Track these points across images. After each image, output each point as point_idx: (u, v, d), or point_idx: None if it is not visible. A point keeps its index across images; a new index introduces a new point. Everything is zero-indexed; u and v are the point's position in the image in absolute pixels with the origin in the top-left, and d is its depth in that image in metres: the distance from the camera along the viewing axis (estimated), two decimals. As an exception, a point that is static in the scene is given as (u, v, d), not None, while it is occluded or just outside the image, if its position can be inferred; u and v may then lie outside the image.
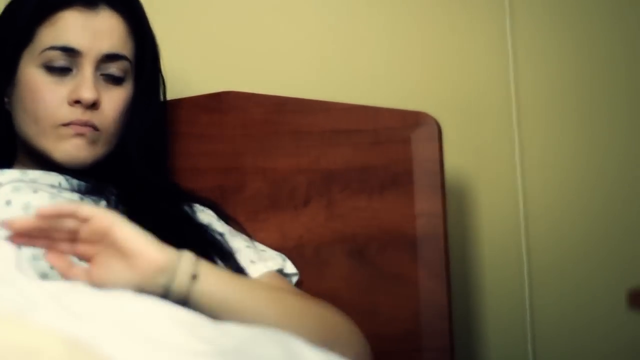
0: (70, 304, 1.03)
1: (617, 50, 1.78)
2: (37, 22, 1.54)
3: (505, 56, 1.77)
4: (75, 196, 1.49)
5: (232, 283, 1.28)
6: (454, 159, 1.69)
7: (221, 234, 1.51)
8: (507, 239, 1.75)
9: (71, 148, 1.50)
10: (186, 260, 1.23)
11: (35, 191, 1.45)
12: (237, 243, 1.51)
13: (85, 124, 1.50)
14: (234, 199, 1.69)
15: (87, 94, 1.49)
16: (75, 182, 1.53)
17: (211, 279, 1.25)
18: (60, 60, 1.52)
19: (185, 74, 1.89)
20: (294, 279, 1.56)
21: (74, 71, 1.51)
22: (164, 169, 1.65)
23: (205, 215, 1.54)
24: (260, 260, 1.49)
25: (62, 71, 1.52)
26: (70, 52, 1.51)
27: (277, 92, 1.74)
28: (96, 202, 1.49)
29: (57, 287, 1.09)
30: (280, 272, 1.51)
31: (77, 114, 1.50)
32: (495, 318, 1.75)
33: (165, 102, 1.67)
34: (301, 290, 1.55)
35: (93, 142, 1.50)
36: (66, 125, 1.50)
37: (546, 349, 1.74)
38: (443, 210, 1.56)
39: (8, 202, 1.45)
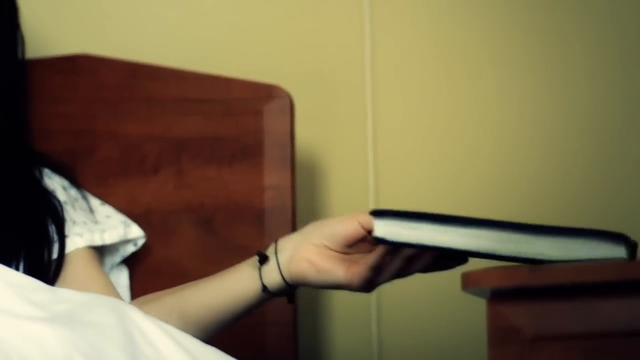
0: None
1: (475, 24, 1.80)
2: None
3: (362, 30, 1.78)
4: None
5: None
6: (306, 133, 1.69)
7: (62, 203, 1.49)
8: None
9: None
10: None
11: None
12: (76, 216, 1.49)
13: None
14: (84, 163, 1.67)
15: None
16: None
17: None
18: None
19: (40, 34, 1.86)
20: (140, 242, 1.56)
21: None
22: (22, 130, 1.61)
23: (52, 182, 1.52)
24: (95, 231, 1.48)
25: None
26: None
27: (132, 57, 1.72)
28: None
29: None
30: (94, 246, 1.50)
31: None
32: (340, 294, 1.76)
33: (24, 60, 1.63)
34: (147, 256, 1.57)
35: None
36: None
37: (390, 326, 1.76)
38: (292, 184, 1.57)
39: None
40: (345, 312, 1.75)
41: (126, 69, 1.69)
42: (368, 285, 1.21)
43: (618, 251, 1.04)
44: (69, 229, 1.46)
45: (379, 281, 1.21)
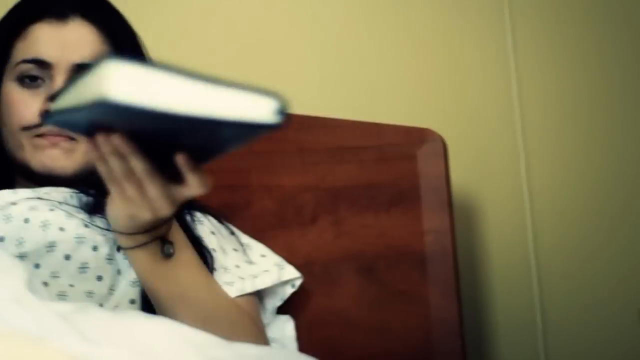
0: (82, 326, 1.02)
1: (626, 60, 1.78)
2: (12, 38, 1.55)
3: (508, 69, 1.77)
4: (78, 214, 1.46)
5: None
6: (459, 175, 1.68)
7: (212, 250, 1.49)
8: (516, 254, 1.74)
9: (46, 159, 1.49)
10: None
11: (52, 209, 1.43)
12: (227, 261, 1.49)
13: (58, 135, 1.50)
14: (241, 217, 1.67)
15: None
16: (82, 197, 1.52)
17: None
18: (32, 72, 1.52)
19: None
20: (297, 283, 1.55)
21: (47, 82, 1.52)
22: None
23: (202, 228, 1.53)
24: (246, 278, 1.47)
25: (34, 83, 1.52)
26: (41, 64, 1.51)
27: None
28: (104, 221, 1.47)
29: (68, 309, 1.08)
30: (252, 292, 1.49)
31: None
32: (506, 334, 1.74)
33: None
34: (311, 305, 1.58)
35: (69, 151, 1.49)
36: (40, 136, 1.50)
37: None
38: (451, 226, 1.55)
39: (26, 220, 1.44)
40: (512, 349, 1.74)
41: (277, 121, 1.70)
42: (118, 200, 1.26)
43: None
44: (220, 277, 1.46)
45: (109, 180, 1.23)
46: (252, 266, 1.50)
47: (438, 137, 1.58)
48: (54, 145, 1.49)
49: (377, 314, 1.55)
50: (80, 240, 1.40)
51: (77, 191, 1.51)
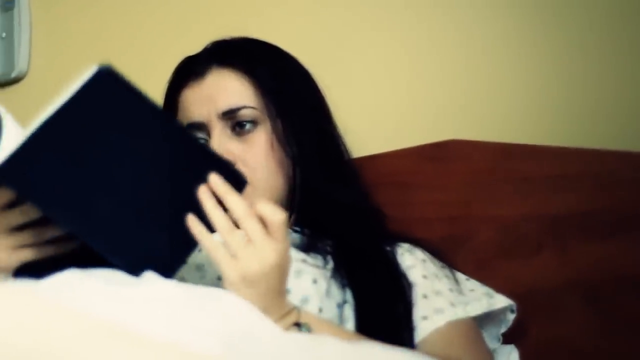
0: (321, 356, 1.04)
1: None
2: (174, 115, 1.62)
3: None
4: (295, 252, 1.48)
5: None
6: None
7: (422, 277, 1.50)
8: None
9: None
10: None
11: None
12: (440, 285, 1.49)
13: None
14: (464, 248, 1.68)
15: None
16: (296, 236, 1.56)
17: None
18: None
19: (407, 124, 1.91)
20: (510, 315, 1.55)
21: (209, 140, 1.57)
22: (368, 214, 1.64)
23: (411, 257, 1.54)
24: (457, 304, 1.46)
25: None
26: (196, 127, 1.57)
27: (491, 138, 1.74)
28: (317, 260, 1.50)
29: (305, 339, 1.10)
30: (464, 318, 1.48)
31: None
32: None
33: (336, 134, 1.68)
34: (536, 335, 1.57)
35: (245, 196, 1.53)
36: None
37: None
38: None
39: None
40: None
41: (497, 150, 1.70)
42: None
43: None
44: (431, 303, 1.45)
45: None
46: (462, 297, 1.50)
47: (663, 161, 1.53)
48: None
49: (605, 344, 1.51)
50: (298, 274, 1.43)
51: (291, 230, 1.56)
